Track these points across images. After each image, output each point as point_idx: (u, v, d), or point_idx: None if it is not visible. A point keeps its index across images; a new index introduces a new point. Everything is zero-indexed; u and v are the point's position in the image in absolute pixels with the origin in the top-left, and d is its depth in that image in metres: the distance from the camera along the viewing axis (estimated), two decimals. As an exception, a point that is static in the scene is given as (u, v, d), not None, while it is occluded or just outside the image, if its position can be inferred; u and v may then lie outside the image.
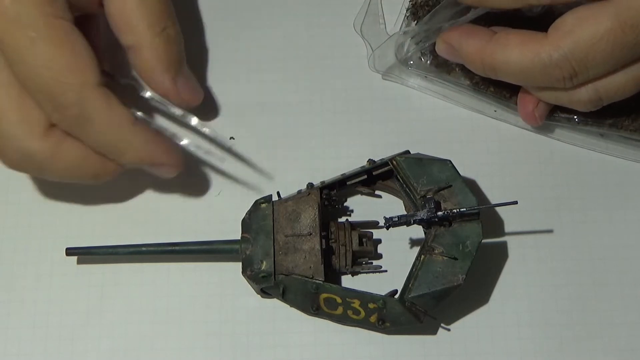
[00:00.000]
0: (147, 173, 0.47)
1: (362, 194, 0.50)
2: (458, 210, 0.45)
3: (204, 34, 0.54)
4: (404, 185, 0.47)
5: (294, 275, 0.45)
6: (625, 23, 0.42)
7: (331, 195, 0.48)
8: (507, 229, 0.50)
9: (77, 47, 0.43)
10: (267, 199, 0.47)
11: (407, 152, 0.48)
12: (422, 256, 0.45)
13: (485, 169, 0.51)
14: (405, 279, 0.45)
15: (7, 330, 0.48)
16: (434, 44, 0.49)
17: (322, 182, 0.48)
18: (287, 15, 0.54)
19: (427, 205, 0.45)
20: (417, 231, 0.48)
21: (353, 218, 0.50)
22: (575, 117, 0.50)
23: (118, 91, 0.45)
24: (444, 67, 0.51)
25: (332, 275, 0.47)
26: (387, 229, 0.45)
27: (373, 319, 0.45)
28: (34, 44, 0.42)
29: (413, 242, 0.49)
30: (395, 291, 0.46)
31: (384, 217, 0.45)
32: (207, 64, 0.53)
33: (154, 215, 0.50)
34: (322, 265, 0.45)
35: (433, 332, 0.47)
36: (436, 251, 0.45)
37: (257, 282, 0.46)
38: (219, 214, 0.50)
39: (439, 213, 0.45)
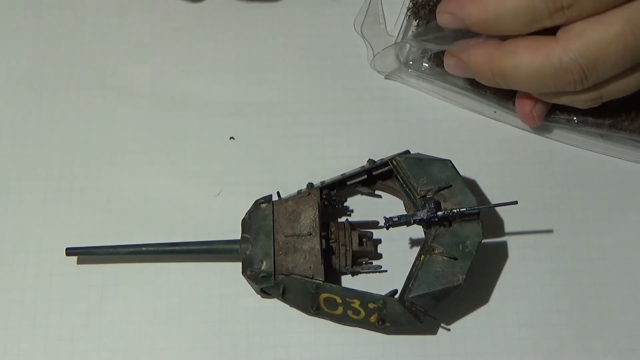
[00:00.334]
0: None
1: (362, 194, 0.50)
2: (458, 210, 0.45)
3: (205, 34, 0.54)
4: (404, 185, 0.47)
5: (294, 275, 0.45)
6: (636, 26, 0.42)
7: (331, 195, 0.48)
8: (507, 229, 0.50)
9: None
10: (267, 199, 0.47)
11: (407, 152, 0.48)
12: (422, 256, 0.45)
13: (485, 169, 0.51)
14: (405, 279, 0.45)
15: (7, 330, 0.48)
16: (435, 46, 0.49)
17: (322, 182, 0.48)
18: (287, 15, 0.54)
19: (427, 205, 0.45)
20: (417, 231, 0.48)
21: (353, 218, 0.50)
22: (575, 118, 0.50)
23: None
24: (444, 69, 0.51)
25: (332, 275, 0.47)
26: (387, 229, 0.45)
27: (373, 319, 0.45)
28: None
29: (413, 242, 0.49)
30: (395, 291, 0.46)
31: (384, 217, 0.45)
32: (207, 64, 0.53)
33: (154, 215, 0.50)
34: (322, 265, 0.45)
35: (433, 332, 0.47)
36: (436, 251, 0.45)
37: (257, 282, 0.46)
38: (219, 214, 0.50)
39: (439, 213, 0.45)
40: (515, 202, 0.45)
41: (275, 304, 0.48)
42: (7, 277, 0.49)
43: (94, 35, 0.54)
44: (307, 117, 0.52)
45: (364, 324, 0.46)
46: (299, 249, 0.46)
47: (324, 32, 0.54)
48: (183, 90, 0.53)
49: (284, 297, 0.46)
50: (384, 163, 0.48)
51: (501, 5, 0.44)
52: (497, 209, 0.50)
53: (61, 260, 0.48)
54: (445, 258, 0.44)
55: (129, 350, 0.47)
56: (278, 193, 0.48)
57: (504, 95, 0.50)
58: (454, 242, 0.45)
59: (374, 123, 0.52)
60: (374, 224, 0.49)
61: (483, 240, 0.45)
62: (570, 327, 0.47)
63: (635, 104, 0.49)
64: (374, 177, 0.49)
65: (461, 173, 0.47)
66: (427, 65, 0.51)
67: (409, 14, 0.52)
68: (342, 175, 0.48)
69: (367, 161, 0.48)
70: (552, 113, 0.50)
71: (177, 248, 0.47)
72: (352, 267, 0.47)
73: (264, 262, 0.45)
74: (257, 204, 0.47)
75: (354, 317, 0.46)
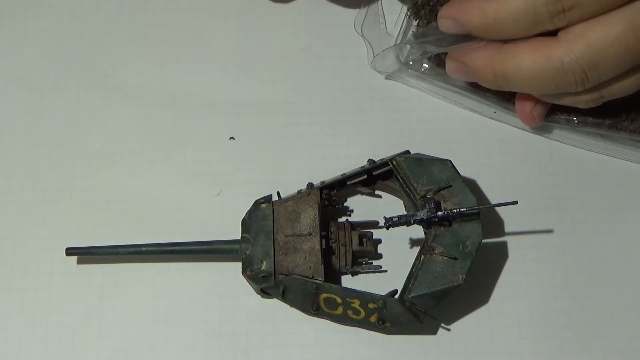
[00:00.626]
0: None
1: (362, 194, 0.50)
2: (458, 210, 0.45)
3: (204, 34, 0.54)
4: (404, 185, 0.47)
5: (294, 275, 0.45)
6: (637, 27, 0.42)
7: (331, 195, 0.48)
8: (507, 229, 0.50)
9: None
10: (267, 199, 0.47)
11: (407, 152, 0.48)
12: (422, 256, 0.45)
13: (485, 169, 0.51)
14: (405, 279, 0.45)
15: (7, 330, 0.48)
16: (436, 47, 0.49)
17: (322, 182, 0.48)
18: (287, 14, 0.54)
19: (427, 205, 0.45)
20: (417, 231, 0.48)
21: (353, 218, 0.50)
22: (575, 118, 0.50)
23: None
24: (444, 69, 0.51)
25: (332, 275, 0.47)
26: (387, 229, 0.45)
27: (373, 319, 0.45)
28: None
29: (413, 242, 0.49)
30: (395, 291, 0.46)
31: (384, 217, 0.45)
32: (207, 64, 0.53)
33: (154, 215, 0.50)
34: (322, 265, 0.45)
35: (433, 332, 0.47)
36: (436, 251, 0.45)
37: (257, 282, 0.46)
38: (219, 214, 0.50)
39: (439, 213, 0.45)
40: (515, 202, 0.45)
41: (275, 304, 0.48)
42: (7, 277, 0.49)
43: (94, 35, 0.54)
44: (307, 117, 0.52)
45: (364, 324, 0.46)
46: (299, 249, 0.46)
47: (324, 32, 0.54)
48: (183, 90, 0.53)
49: (284, 297, 0.46)
50: (384, 163, 0.48)
51: (502, 9, 0.44)
52: (497, 209, 0.50)
53: (61, 260, 0.48)
54: (445, 258, 0.44)
55: (129, 350, 0.47)
56: (278, 193, 0.48)
57: (504, 96, 0.50)
58: (454, 242, 0.45)
59: (374, 123, 0.52)
60: (374, 224, 0.49)
61: (483, 240, 0.45)
62: (570, 327, 0.47)
63: (635, 104, 0.49)
64: (374, 177, 0.49)
65: (461, 173, 0.47)
66: (427, 65, 0.51)
67: (409, 14, 0.52)
68: (342, 175, 0.48)
69: (367, 161, 0.48)
70: (552, 113, 0.50)
71: (177, 248, 0.47)
72: (352, 267, 0.47)
73: (264, 262, 0.45)
74: (257, 204, 0.47)
75: (354, 317, 0.46)
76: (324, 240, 0.46)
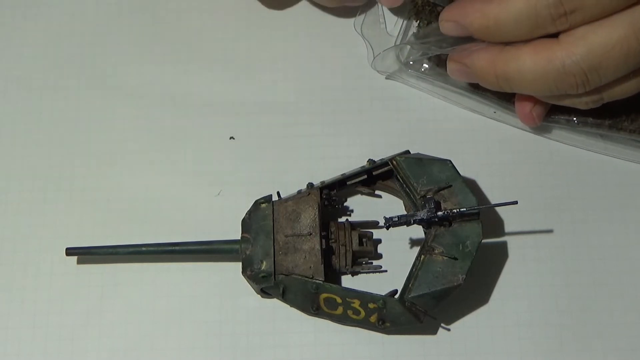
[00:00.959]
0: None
1: (362, 194, 0.50)
2: (458, 210, 0.45)
3: (204, 34, 0.54)
4: (404, 185, 0.47)
5: (294, 275, 0.45)
6: (639, 31, 0.42)
7: (331, 195, 0.48)
8: (507, 229, 0.50)
9: None
10: (267, 199, 0.47)
11: (407, 152, 0.48)
12: (422, 256, 0.45)
13: (485, 169, 0.51)
14: (405, 279, 0.45)
15: (7, 330, 0.48)
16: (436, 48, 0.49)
17: (322, 182, 0.48)
18: (288, 14, 0.54)
19: (427, 205, 0.45)
20: (417, 231, 0.48)
21: (353, 218, 0.50)
22: (575, 118, 0.50)
23: None
24: (444, 69, 0.51)
25: (332, 275, 0.47)
26: (387, 229, 0.45)
27: (373, 319, 0.45)
28: None
29: (413, 242, 0.49)
30: (395, 291, 0.46)
31: (384, 217, 0.45)
32: (207, 64, 0.53)
33: (154, 215, 0.50)
34: (322, 265, 0.45)
35: (433, 332, 0.47)
36: (436, 251, 0.45)
37: (257, 282, 0.46)
38: (219, 214, 0.50)
39: (439, 213, 0.45)
40: (515, 202, 0.45)
41: (275, 304, 0.48)
42: (7, 277, 0.49)
43: (94, 35, 0.54)
44: (307, 117, 0.52)
45: (364, 324, 0.46)
46: (299, 249, 0.46)
47: (324, 32, 0.54)
48: (183, 90, 0.53)
49: (284, 297, 0.46)
50: (384, 163, 0.48)
51: (503, 12, 0.43)
52: (497, 209, 0.50)
53: (61, 260, 0.48)
54: (445, 258, 0.44)
55: (129, 350, 0.47)
56: (278, 193, 0.48)
57: (504, 96, 0.50)
58: (454, 242, 0.45)
59: (374, 123, 0.52)
60: (374, 224, 0.49)
61: (483, 240, 0.45)
62: (570, 327, 0.47)
63: (635, 105, 0.49)
64: (374, 177, 0.49)
65: (461, 173, 0.47)
66: (427, 65, 0.51)
67: (409, 15, 0.52)
68: (342, 175, 0.48)
69: (367, 161, 0.48)
70: (551, 113, 0.50)
71: (177, 248, 0.47)
72: (352, 267, 0.47)
73: (264, 262, 0.45)
74: (257, 204, 0.47)
75: (354, 317, 0.46)
76: (324, 240, 0.46)
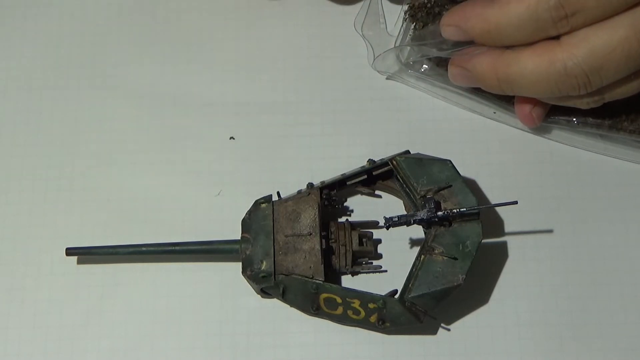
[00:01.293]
0: None
1: (362, 194, 0.50)
2: (458, 210, 0.45)
3: (204, 34, 0.54)
4: (404, 185, 0.47)
5: (294, 275, 0.45)
6: None
7: (331, 195, 0.48)
8: (507, 229, 0.50)
9: None
10: (267, 199, 0.47)
11: (407, 152, 0.48)
12: (422, 256, 0.45)
13: (485, 169, 0.51)
14: (405, 279, 0.45)
15: (7, 330, 0.48)
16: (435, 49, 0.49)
17: (322, 182, 0.48)
18: (287, 14, 0.54)
19: (427, 205, 0.45)
20: (417, 231, 0.48)
21: (353, 218, 0.50)
22: (575, 119, 0.50)
23: None
24: (444, 70, 0.51)
25: (332, 275, 0.47)
26: (387, 229, 0.45)
27: (373, 319, 0.45)
28: None
29: (413, 242, 0.49)
30: (395, 291, 0.46)
31: (384, 217, 0.45)
32: (207, 64, 0.53)
33: (154, 215, 0.50)
34: (322, 265, 0.45)
35: (433, 332, 0.47)
36: (436, 251, 0.45)
37: (257, 282, 0.46)
38: (219, 214, 0.50)
39: (439, 213, 0.45)
40: (515, 202, 0.45)
41: (275, 304, 0.48)
42: (7, 277, 0.49)
43: (94, 35, 0.54)
44: (307, 117, 0.52)
45: (364, 324, 0.46)
46: (299, 249, 0.46)
47: (324, 32, 0.54)
48: (183, 90, 0.53)
49: (284, 297, 0.46)
50: (384, 163, 0.48)
51: (504, 17, 0.43)
52: (497, 209, 0.50)
53: (61, 260, 0.48)
54: (445, 258, 0.44)
55: (129, 350, 0.47)
56: (278, 193, 0.48)
57: (504, 97, 0.50)
58: (454, 242, 0.45)
59: (374, 123, 0.52)
60: (374, 224, 0.49)
61: (483, 240, 0.45)
62: (570, 327, 0.47)
63: (635, 105, 0.49)
64: (374, 177, 0.49)
65: (461, 173, 0.47)
66: (427, 66, 0.51)
67: (406, 17, 0.52)
68: (342, 175, 0.48)
69: (367, 161, 0.48)
70: (551, 114, 0.50)
71: (177, 248, 0.47)
72: (352, 267, 0.47)
73: (264, 262, 0.45)
74: (257, 204, 0.47)
75: (354, 317, 0.46)
76: (324, 240, 0.46)
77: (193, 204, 0.50)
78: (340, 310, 0.46)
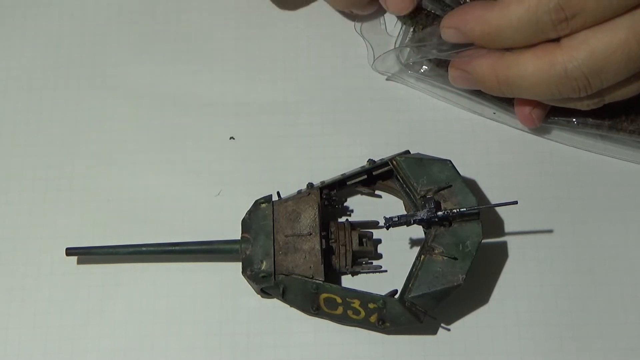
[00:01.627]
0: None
1: (362, 194, 0.50)
2: (458, 210, 0.45)
3: (204, 34, 0.54)
4: (404, 185, 0.47)
5: (294, 275, 0.45)
6: None
7: (331, 195, 0.48)
8: (507, 229, 0.50)
9: None
10: (267, 199, 0.47)
11: (407, 152, 0.48)
12: (422, 256, 0.45)
13: (485, 169, 0.51)
14: (405, 279, 0.45)
15: (7, 330, 0.48)
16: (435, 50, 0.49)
17: (322, 182, 0.48)
18: (287, 14, 0.54)
19: (427, 205, 0.45)
20: (417, 231, 0.48)
21: (353, 218, 0.50)
22: (574, 119, 0.50)
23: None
24: (444, 70, 0.51)
25: (332, 275, 0.47)
26: (387, 229, 0.45)
27: (373, 319, 0.45)
28: None
29: (413, 242, 0.49)
30: (395, 291, 0.46)
31: (384, 217, 0.45)
32: (207, 64, 0.53)
33: (154, 215, 0.50)
34: (322, 265, 0.45)
35: (433, 332, 0.47)
36: (436, 251, 0.45)
37: (257, 282, 0.46)
38: (219, 214, 0.50)
39: (439, 213, 0.45)
40: (515, 202, 0.45)
41: (275, 304, 0.48)
42: (7, 277, 0.49)
43: (94, 35, 0.54)
44: (307, 117, 0.52)
45: (364, 324, 0.46)
46: (299, 249, 0.46)
47: (324, 32, 0.54)
48: (183, 90, 0.53)
49: (284, 297, 0.46)
50: (384, 163, 0.48)
51: (504, 19, 0.43)
52: (497, 209, 0.50)
53: (61, 260, 0.48)
54: (445, 258, 0.44)
55: (129, 350, 0.47)
56: (278, 193, 0.48)
57: (504, 98, 0.50)
58: (454, 242, 0.45)
59: (374, 123, 0.52)
60: (374, 224, 0.49)
61: (483, 240, 0.45)
62: (570, 327, 0.47)
63: (635, 105, 0.49)
64: (374, 177, 0.49)
65: (461, 173, 0.47)
66: (427, 67, 0.51)
67: (404, 19, 0.51)
68: (342, 175, 0.48)
69: (367, 161, 0.48)
70: (551, 115, 0.50)
71: (177, 248, 0.47)
72: (352, 267, 0.47)
73: (264, 262, 0.45)
74: (257, 204, 0.47)
75: (354, 317, 0.46)
76: (324, 240, 0.46)
77: (193, 204, 0.50)
78: (340, 310, 0.46)
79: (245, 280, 0.47)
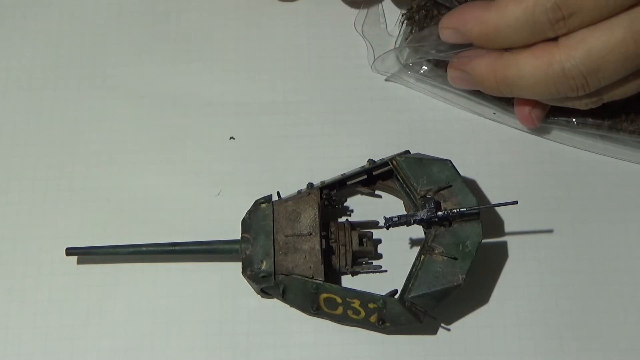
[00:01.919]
0: None
1: (362, 194, 0.50)
2: (458, 210, 0.45)
3: (204, 34, 0.54)
4: (404, 185, 0.47)
5: (294, 275, 0.45)
6: (637, 33, 0.42)
7: (331, 195, 0.48)
8: (507, 229, 0.50)
9: None
10: (267, 199, 0.47)
11: (407, 152, 0.48)
12: (422, 256, 0.45)
13: (485, 169, 0.51)
14: (405, 279, 0.45)
15: (7, 330, 0.48)
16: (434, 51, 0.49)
17: (322, 182, 0.48)
18: (287, 14, 0.54)
19: (427, 205, 0.45)
20: (417, 231, 0.48)
21: (353, 218, 0.50)
22: (574, 119, 0.50)
23: None
24: (444, 71, 0.51)
25: (332, 275, 0.47)
26: (387, 229, 0.45)
27: (373, 319, 0.45)
28: None
29: (413, 242, 0.49)
30: (395, 291, 0.46)
31: (384, 217, 0.45)
32: (207, 64, 0.53)
33: (154, 215, 0.50)
34: (322, 265, 0.45)
35: (433, 332, 0.47)
36: (436, 251, 0.45)
37: (257, 282, 0.46)
38: (219, 214, 0.50)
39: (439, 213, 0.45)
40: (515, 202, 0.45)
41: (275, 304, 0.48)
42: (7, 277, 0.49)
43: (94, 35, 0.54)
44: (307, 117, 0.52)
45: (364, 324, 0.46)
46: (299, 249, 0.46)
47: (324, 32, 0.54)
48: (183, 90, 0.53)
49: (284, 297, 0.46)
50: (384, 163, 0.48)
51: (502, 19, 0.44)
52: (497, 209, 0.50)
53: (61, 260, 0.48)
54: (445, 258, 0.44)
55: (129, 350, 0.47)
56: (278, 193, 0.48)
57: (503, 98, 0.50)
58: (454, 242, 0.45)
59: (374, 123, 0.52)
60: (374, 224, 0.49)
61: (483, 240, 0.45)
62: (570, 327, 0.47)
63: (634, 105, 0.49)
64: (374, 177, 0.49)
65: (461, 173, 0.47)
66: (426, 67, 0.51)
67: (403, 20, 0.52)
68: (342, 175, 0.48)
69: (367, 161, 0.48)
70: (551, 115, 0.50)
71: (177, 248, 0.47)
72: (352, 267, 0.47)
73: (264, 262, 0.45)
74: (257, 204, 0.47)
75: (354, 317, 0.46)
76: (324, 240, 0.46)
77: (193, 204, 0.50)
78: (340, 310, 0.46)
79: (245, 280, 0.47)
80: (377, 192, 0.50)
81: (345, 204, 0.50)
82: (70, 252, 0.48)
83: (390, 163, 0.47)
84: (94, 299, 0.48)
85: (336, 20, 0.54)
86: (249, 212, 0.47)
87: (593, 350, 0.47)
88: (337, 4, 0.54)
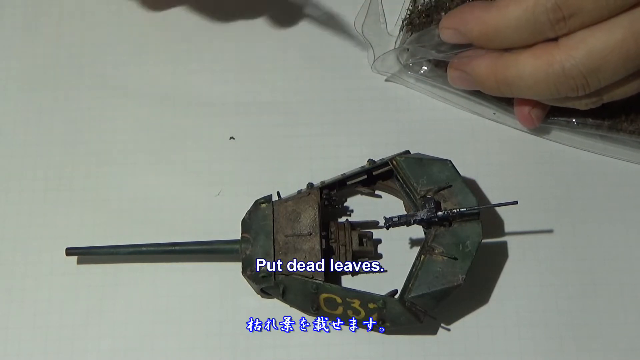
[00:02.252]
0: None
1: (362, 194, 0.50)
2: (458, 210, 0.45)
3: (205, 34, 0.54)
4: (404, 185, 0.47)
5: (294, 275, 0.45)
6: (638, 33, 0.42)
7: (331, 195, 0.48)
8: (507, 229, 0.50)
9: None
10: (267, 199, 0.47)
11: (407, 152, 0.48)
12: (422, 256, 0.45)
13: (485, 169, 0.51)
14: (405, 279, 0.45)
15: (7, 330, 0.48)
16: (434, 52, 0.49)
17: (322, 182, 0.48)
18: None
19: (427, 205, 0.45)
20: (417, 231, 0.48)
21: (353, 218, 0.50)
22: (574, 119, 0.50)
23: None
24: (444, 71, 0.51)
25: (332, 275, 0.47)
26: (387, 229, 0.45)
27: (373, 319, 0.45)
28: None
29: (413, 242, 0.49)
30: (395, 291, 0.46)
31: (384, 217, 0.45)
32: (207, 64, 0.53)
33: (154, 215, 0.50)
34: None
35: (433, 332, 0.47)
36: (436, 251, 0.45)
37: (257, 282, 0.46)
38: (219, 214, 0.50)
39: (439, 213, 0.45)
40: (515, 202, 0.45)
41: (275, 304, 0.48)
42: (7, 277, 0.49)
43: (94, 35, 0.54)
44: (307, 117, 0.52)
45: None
46: (299, 249, 0.46)
47: (324, 32, 0.54)
48: (183, 90, 0.53)
49: (284, 297, 0.46)
50: (384, 163, 0.48)
51: (503, 20, 0.44)
52: (497, 209, 0.50)
53: (61, 260, 0.48)
54: (445, 258, 0.45)
55: (129, 350, 0.47)
56: (278, 193, 0.48)
57: (503, 98, 0.50)
58: (454, 242, 0.45)
59: (374, 123, 0.52)
60: (374, 224, 0.49)
61: (483, 240, 0.45)
62: (570, 327, 0.47)
63: (634, 106, 0.49)
64: (374, 177, 0.49)
65: (461, 173, 0.47)
66: (426, 67, 0.51)
67: (403, 24, 0.52)
68: (342, 175, 0.48)
69: (367, 161, 0.48)
70: (551, 115, 0.50)
71: (177, 248, 0.47)
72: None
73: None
74: (257, 204, 0.47)
75: (354, 317, 0.46)
76: (324, 240, 0.46)
77: (193, 204, 0.50)
78: (340, 310, 0.46)
79: (245, 280, 0.47)
80: (377, 192, 0.50)
81: (345, 204, 0.50)
82: (70, 252, 0.48)
83: (390, 163, 0.47)
84: (94, 299, 0.48)
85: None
86: (249, 212, 0.47)
87: (593, 350, 0.47)
88: (337, 3, 0.54)
